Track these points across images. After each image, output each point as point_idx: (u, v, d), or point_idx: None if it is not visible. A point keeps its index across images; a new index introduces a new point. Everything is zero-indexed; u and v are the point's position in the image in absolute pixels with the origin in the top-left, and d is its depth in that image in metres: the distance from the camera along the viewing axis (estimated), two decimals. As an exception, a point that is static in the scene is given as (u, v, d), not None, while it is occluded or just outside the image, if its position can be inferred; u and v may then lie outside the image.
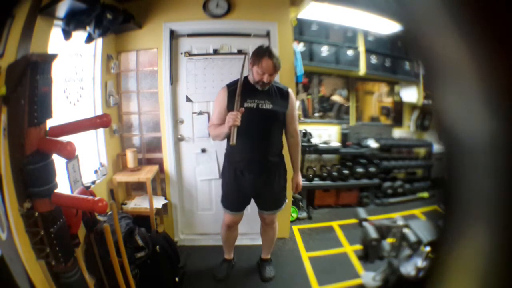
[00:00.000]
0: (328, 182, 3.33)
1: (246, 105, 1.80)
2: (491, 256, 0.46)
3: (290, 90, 1.95)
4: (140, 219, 2.28)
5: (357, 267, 2.27)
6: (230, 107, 1.81)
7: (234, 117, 1.67)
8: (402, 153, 3.70)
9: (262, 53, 1.78)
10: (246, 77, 1.90)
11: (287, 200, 2.13)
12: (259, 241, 2.40)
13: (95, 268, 1.76)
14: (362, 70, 3.56)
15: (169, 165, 2.61)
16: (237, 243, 2.35)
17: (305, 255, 2.50)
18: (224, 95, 1.88)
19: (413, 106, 3.73)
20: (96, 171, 2.23)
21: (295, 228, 2.92)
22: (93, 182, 2.11)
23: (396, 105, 3.86)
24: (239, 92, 1.77)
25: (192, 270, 2.32)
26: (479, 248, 0.48)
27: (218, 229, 2.30)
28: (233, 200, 2.04)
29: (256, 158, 1.89)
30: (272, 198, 2.02)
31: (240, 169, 1.92)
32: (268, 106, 1.84)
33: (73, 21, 1.71)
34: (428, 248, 1.14)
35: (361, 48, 3.56)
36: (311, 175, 3.31)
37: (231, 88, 1.86)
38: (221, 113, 1.87)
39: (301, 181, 2.08)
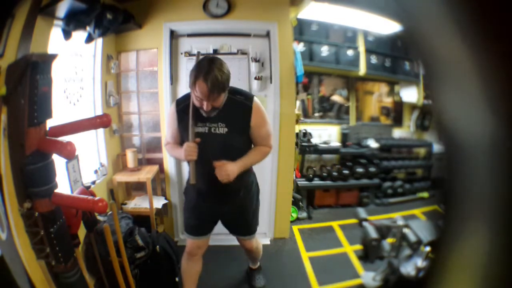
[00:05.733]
0: (328, 182, 3.32)
1: (196, 129, 1.48)
2: (491, 256, 0.46)
3: (255, 100, 1.51)
4: (140, 219, 2.28)
5: (357, 267, 2.27)
6: (181, 128, 1.55)
7: (190, 151, 1.43)
8: (402, 153, 3.70)
9: (197, 73, 1.34)
10: None
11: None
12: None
13: (95, 268, 1.76)
14: (362, 70, 3.55)
15: (169, 165, 2.61)
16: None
17: (305, 255, 2.50)
18: (173, 114, 1.56)
19: (413, 106, 3.72)
20: (96, 171, 2.23)
21: (295, 228, 2.92)
22: (93, 182, 2.12)
23: (396, 105, 3.85)
24: (192, 115, 1.45)
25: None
26: (479, 248, 0.48)
27: (217, 229, 2.26)
28: (195, 224, 1.74)
29: (215, 189, 1.57)
30: (242, 224, 1.76)
31: (202, 195, 1.65)
32: (222, 130, 1.48)
33: (73, 21, 1.72)
34: (428, 248, 1.14)
35: (361, 48, 3.55)
36: (311, 175, 3.31)
37: (181, 106, 1.54)
38: (173, 133, 1.61)
39: (233, 171, 1.45)
